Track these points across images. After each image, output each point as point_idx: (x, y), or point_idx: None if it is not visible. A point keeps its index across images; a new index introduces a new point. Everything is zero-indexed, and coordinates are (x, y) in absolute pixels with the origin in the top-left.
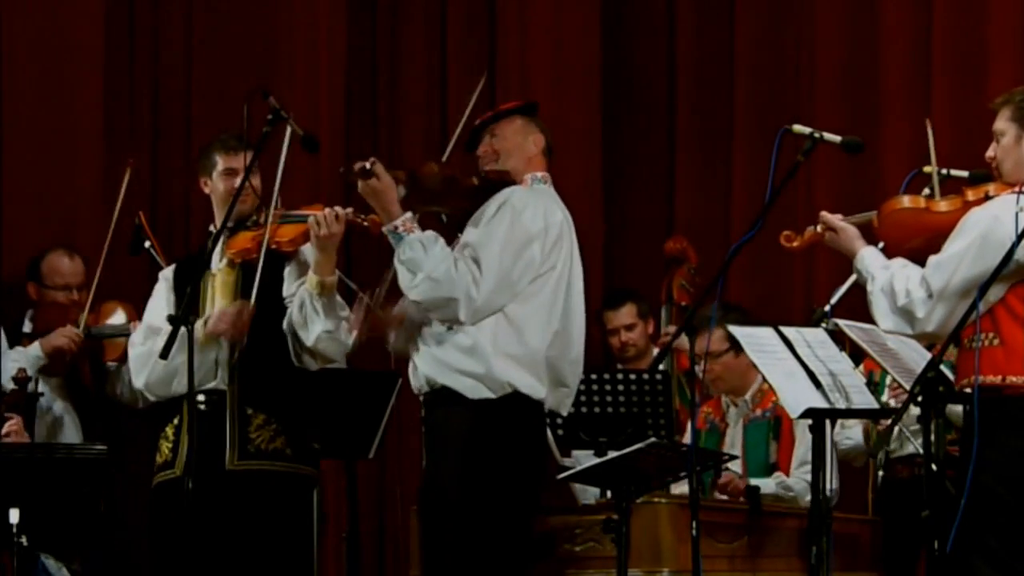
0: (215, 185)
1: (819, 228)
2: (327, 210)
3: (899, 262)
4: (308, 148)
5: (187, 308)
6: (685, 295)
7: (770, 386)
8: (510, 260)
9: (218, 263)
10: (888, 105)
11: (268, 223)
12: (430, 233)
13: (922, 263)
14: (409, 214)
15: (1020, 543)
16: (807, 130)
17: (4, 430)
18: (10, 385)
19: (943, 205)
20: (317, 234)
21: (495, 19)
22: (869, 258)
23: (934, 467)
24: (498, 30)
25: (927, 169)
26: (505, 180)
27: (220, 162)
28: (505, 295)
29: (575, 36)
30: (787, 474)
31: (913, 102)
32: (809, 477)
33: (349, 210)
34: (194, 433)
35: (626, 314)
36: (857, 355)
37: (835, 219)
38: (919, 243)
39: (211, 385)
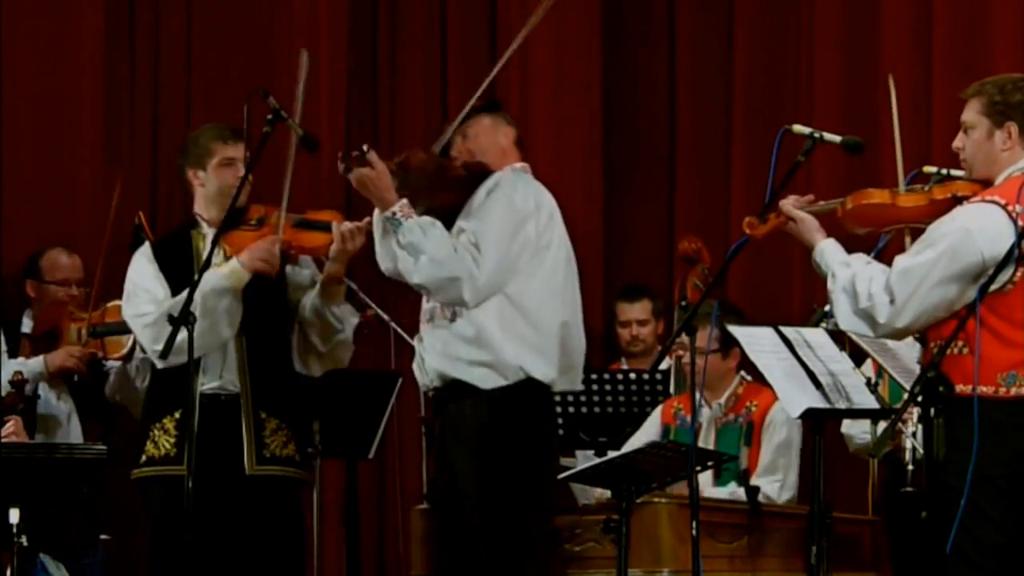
0: (209, 177)
1: (781, 217)
2: (351, 224)
3: (860, 259)
4: (308, 148)
5: (186, 308)
6: (699, 295)
7: (770, 387)
8: (507, 239)
9: (215, 259)
10: (888, 104)
11: (281, 225)
12: (427, 218)
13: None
14: (405, 200)
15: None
16: (807, 130)
17: (4, 432)
18: (7, 388)
19: (908, 200)
20: (343, 246)
21: (495, 20)
22: (829, 252)
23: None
24: (498, 31)
25: (927, 169)
26: (487, 171)
27: (217, 152)
28: (506, 274)
29: (576, 37)
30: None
31: (913, 102)
32: (767, 487)
33: (367, 220)
34: (196, 431)
35: (641, 309)
36: (857, 355)
37: (795, 208)
38: (874, 232)
39: (217, 384)
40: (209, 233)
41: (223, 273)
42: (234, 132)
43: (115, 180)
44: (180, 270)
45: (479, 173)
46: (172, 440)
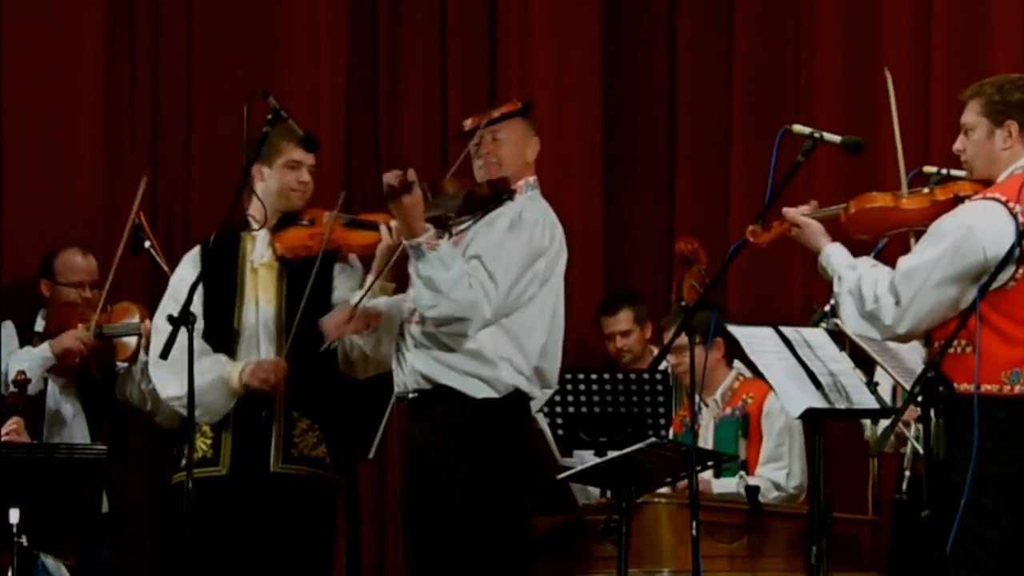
0: (272, 174)
1: (784, 223)
2: (395, 222)
3: (866, 262)
4: (308, 148)
5: (187, 308)
6: (695, 296)
7: (771, 386)
8: (518, 275)
9: (261, 258)
10: (888, 104)
11: (331, 223)
12: (448, 249)
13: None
14: (432, 231)
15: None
16: (807, 130)
17: (5, 431)
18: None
19: (911, 203)
20: (389, 243)
21: (495, 20)
22: (835, 256)
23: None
24: (498, 30)
25: (927, 169)
26: (510, 190)
27: (286, 152)
28: (510, 308)
29: (576, 37)
30: (754, 471)
31: (913, 102)
32: (774, 475)
33: None
34: (235, 432)
35: (623, 320)
36: (857, 355)
37: (798, 215)
38: (877, 237)
39: None
40: (259, 234)
41: (222, 378)
42: (307, 140)
43: (137, 182)
44: (224, 272)
45: (502, 191)
46: (209, 442)
